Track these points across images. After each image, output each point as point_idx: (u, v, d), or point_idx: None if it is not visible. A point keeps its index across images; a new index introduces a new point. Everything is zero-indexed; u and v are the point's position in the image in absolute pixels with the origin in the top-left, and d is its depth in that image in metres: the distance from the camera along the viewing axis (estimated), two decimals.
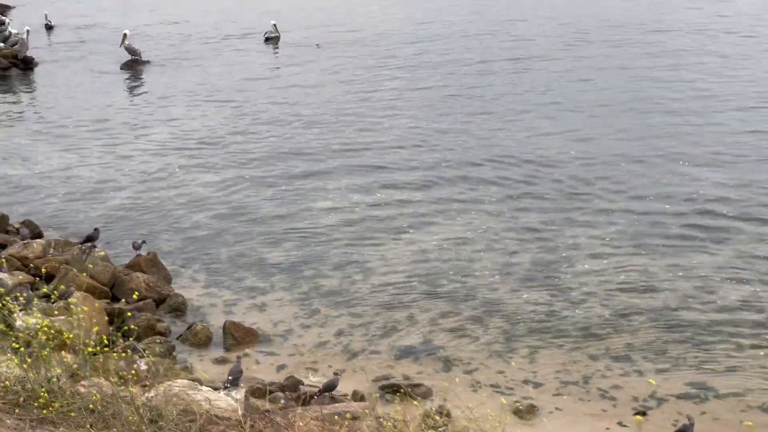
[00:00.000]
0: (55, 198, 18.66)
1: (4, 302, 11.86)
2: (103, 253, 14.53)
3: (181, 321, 14.07)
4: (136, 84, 27.51)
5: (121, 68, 28.85)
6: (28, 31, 28.93)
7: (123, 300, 13.82)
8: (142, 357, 11.24)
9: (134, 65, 28.94)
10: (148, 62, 29.02)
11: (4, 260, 13.78)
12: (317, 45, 29.86)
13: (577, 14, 34.90)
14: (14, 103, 25.78)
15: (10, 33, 29.55)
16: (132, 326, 12.50)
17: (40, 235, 16.54)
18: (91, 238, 14.44)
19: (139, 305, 13.78)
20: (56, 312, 12.35)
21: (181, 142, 21.85)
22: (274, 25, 30.71)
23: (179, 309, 14.17)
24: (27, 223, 16.68)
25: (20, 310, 11.66)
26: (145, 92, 26.33)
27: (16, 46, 28.92)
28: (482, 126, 22.53)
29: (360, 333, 13.95)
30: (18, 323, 11.57)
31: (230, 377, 11.08)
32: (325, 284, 15.34)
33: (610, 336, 13.38)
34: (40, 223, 17.19)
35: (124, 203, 18.35)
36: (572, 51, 29.43)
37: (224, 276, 15.60)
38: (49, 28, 33.85)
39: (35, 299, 12.20)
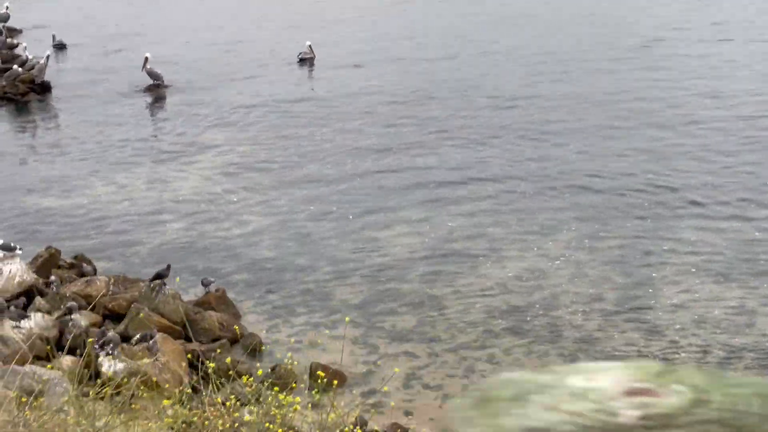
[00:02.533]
0: (100, 231, 18.70)
1: (94, 347, 11.64)
2: (173, 291, 14.24)
3: (258, 362, 13.78)
4: (161, 109, 27.48)
5: (144, 92, 28.63)
6: (48, 56, 28.73)
7: (195, 341, 13.69)
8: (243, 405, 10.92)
9: (156, 90, 28.80)
10: (169, 86, 28.85)
11: (71, 302, 13.50)
12: (357, 65, 29.72)
13: None
14: (39, 131, 25.81)
15: (27, 57, 29.35)
16: (211, 369, 12.29)
17: (94, 271, 16.28)
18: (161, 275, 14.35)
19: (214, 346, 13.52)
20: (139, 354, 12.10)
21: (225, 169, 21.98)
22: (309, 45, 30.61)
23: (256, 349, 13.99)
24: (79, 258, 16.49)
25: (107, 355, 11.41)
26: (174, 117, 26.27)
27: (33, 71, 28.70)
28: (546, 149, 22.55)
29: (444, 374, 13.75)
30: (105, 368, 11.33)
31: None
32: (399, 322, 15.40)
33: None
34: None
35: (176, 236, 18.37)
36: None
37: (292, 313, 15.62)
38: (60, 47, 33.64)
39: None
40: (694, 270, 16.16)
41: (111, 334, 11.94)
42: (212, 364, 10.77)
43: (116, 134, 24.85)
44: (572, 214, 18.70)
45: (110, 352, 11.46)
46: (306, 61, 30.72)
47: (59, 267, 16.33)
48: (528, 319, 15.15)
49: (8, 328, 11.33)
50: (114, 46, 34.50)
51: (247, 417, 11.12)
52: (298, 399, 8.98)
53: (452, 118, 24.92)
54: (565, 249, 17.32)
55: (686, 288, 15.52)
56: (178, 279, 15.34)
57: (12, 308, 12.09)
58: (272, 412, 10.16)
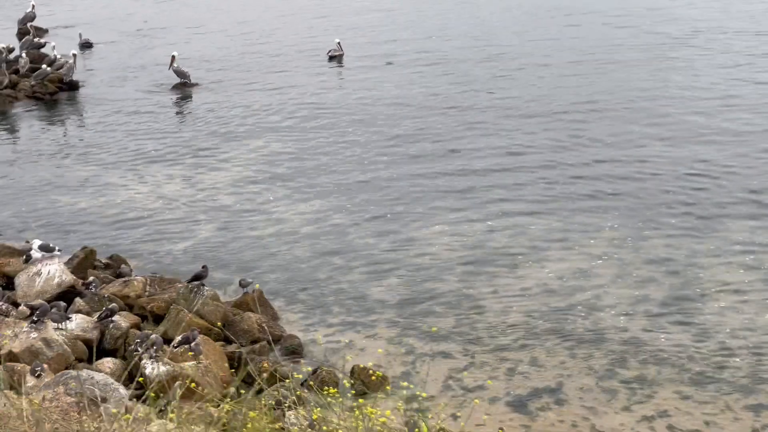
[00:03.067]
0: (134, 230, 18.80)
1: (138, 349, 11.59)
2: (212, 292, 14.17)
3: (299, 364, 13.69)
4: (190, 108, 27.50)
5: (171, 91, 28.63)
6: (74, 55, 28.84)
7: (235, 342, 13.63)
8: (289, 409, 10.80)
9: (183, 88, 28.81)
10: (197, 85, 28.83)
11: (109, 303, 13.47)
12: (389, 62, 29.56)
13: None
14: (69, 130, 25.93)
15: (56, 57, 29.52)
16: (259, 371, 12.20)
17: (131, 272, 16.28)
18: (199, 276, 14.34)
19: (255, 348, 13.48)
20: (181, 357, 12.02)
21: (258, 168, 21.97)
22: (339, 43, 30.50)
23: (296, 351, 14.08)
24: (115, 258, 16.55)
25: (150, 358, 11.35)
26: (203, 116, 26.30)
27: (62, 70, 28.83)
28: (585, 146, 22.32)
29: (486, 377, 13.61)
30: (148, 371, 11.26)
31: None
32: (438, 323, 15.24)
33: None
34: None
35: (210, 235, 18.43)
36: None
37: (329, 313, 15.63)
38: (87, 46, 33.74)
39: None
40: (743, 270, 15.90)
41: (154, 336, 11.87)
42: (266, 365, 10.68)
43: (146, 133, 24.94)
44: (614, 212, 18.49)
45: (153, 354, 11.39)
46: (335, 58, 30.62)
47: (95, 267, 16.35)
48: (570, 320, 14.96)
49: (51, 330, 11.31)
50: (141, 45, 34.64)
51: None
52: (388, 412, 8.76)
53: (487, 117, 24.74)
54: (607, 248, 17.12)
55: (736, 288, 15.27)
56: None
57: (54, 310, 12.06)
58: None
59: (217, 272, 16.73)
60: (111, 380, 7.59)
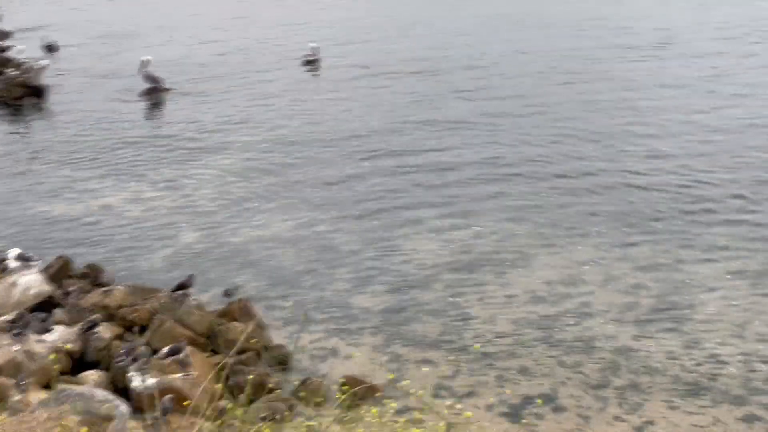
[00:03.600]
0: (110, 238, 18.50)
1: (120, 361, 11.32)
2: (197, 302, 13.91)
3: (287, 375, 13.51)
4: (162, 113, 27.20)
5: (139, 96, 28.25)
6: (47, 63, 28.30)
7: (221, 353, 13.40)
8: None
9: (155, 93, 28.41)
10: (169, 90, 28.45)
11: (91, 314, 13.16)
12: (365, 66, 29.50)
13: None
14: (37, 136, 25.48)
15: (22, 61, 28.94)
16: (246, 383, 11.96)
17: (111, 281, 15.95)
18: (184, 285, 14.09)
19: (242, 358, 13.24)
20: (168, 368, 11.77)
21: (238, 175, 21.79)
22: (315, 47, 30.36)
23: (284, 362, 13.81)
24: (92, 267, 16.17)
25: (137, 370, 11.09)
26: (176, 121, 26.03)
27: (28, 74, 28.29)
28: (571, 150, 22.47)
29: (475, 385, 13.54)
30: (135, 383, 11.00)
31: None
32: (425, 332, 15.25)
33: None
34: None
35: (190, 242, 18.20)
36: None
37: (315, 322, 15.50)
38: (51, 49, 33.15)
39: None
40: (729, 276, 16.05)
41: (141, 348, 11.60)
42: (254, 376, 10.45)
43: (118, 139, 24.58)
44: (599, 217, 18.62)
45: (141, 366, 11.12)
46: (312, 62, 30.49)
47: (71, 276, 15.99)
48: (558, 328, 14.97)
49: (34, 342, 10.97)
50: (110, 48, 34.20)
51: None
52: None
53: (469, 123, 24.79)
54: (594, 254, 17.23)
55: (723, 295, 15.40)
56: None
57: (35, 321, 11.72)
58: None
59: (199, 280, 16.40)
60: (111, 396, 7.34)
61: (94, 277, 16.13)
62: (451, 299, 16.08)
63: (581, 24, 35.62)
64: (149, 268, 17.13)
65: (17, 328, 11.24)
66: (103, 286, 14.82)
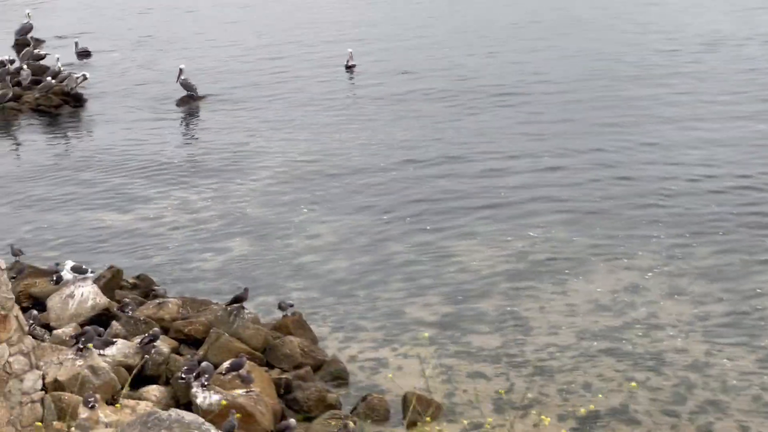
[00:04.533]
0: (159, 248, 18.55)
1: (183, 377, 11.25)
2: (253, 315, 13.84)
3: (345, 390, 13.39)
4: (200, 121, 27.23)
5: (177, 105, 28.32)
6: (85, 76, 28.46)
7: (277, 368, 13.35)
8: None
9: (191, 101, 28.46)
10: (204, 98, 28.51)
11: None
12: (404, 72, 29.38)
13: None
14: (77, 145, 25.59)
15: (60, 69, 29.14)
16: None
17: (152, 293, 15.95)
18: (239, 299, 14.06)
19: (299, 373, 13.15)
20: (228, 384, 11.69)
21: (282, 182, 21.67)
22: (351, 52, 30.39)
23: (341, 377, 13.73)
24: (142, 278, 16.21)
25: (201, 386, 11.02)
26: (215, 129, 26.05)
27: (64, 82, 28.47)
28: (626, 154, 22.11)
29: (538, 400, 13.29)
30: (199, 400, 10.93)
31: None
32: (483, 343, 15.04)
33: None
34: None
35: (240, 252, 18.21)
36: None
37: (370, 334, 15.41)
38: (84, 55, 33.37)
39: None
40: None
41: (205, 363, 11.53)
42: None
43: (158, 148, 24.57)
44: (658, 224, 18.31)
45: (205, 382, 11.05)
46: (351, 67, 30.50)
47: (121, 287, 15.99)
48: (626, 340, 14.68)
49: (97, 357, 10.95)
50: (143, 56, 34.25)
51: None
52: None
53: (518, 129, 24.39)
54: (656, 261, 16.96)
55: None
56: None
57: (97, 336, 11.68)
58: None
59: (251, 291, 15.93)
60: (200, 420, 7.26)
61: (144, 287, 16.13)
62: (509, 309, 15.87)
63: (627, 28, 35.14)
64: (198, 278, 17.13)
65: (81, 342, 11.21)
66: (156, 296, 14.80)
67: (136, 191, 21.33)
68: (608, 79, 28.42)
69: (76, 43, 34.11)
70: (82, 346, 11.04)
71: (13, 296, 9.93)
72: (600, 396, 13.34)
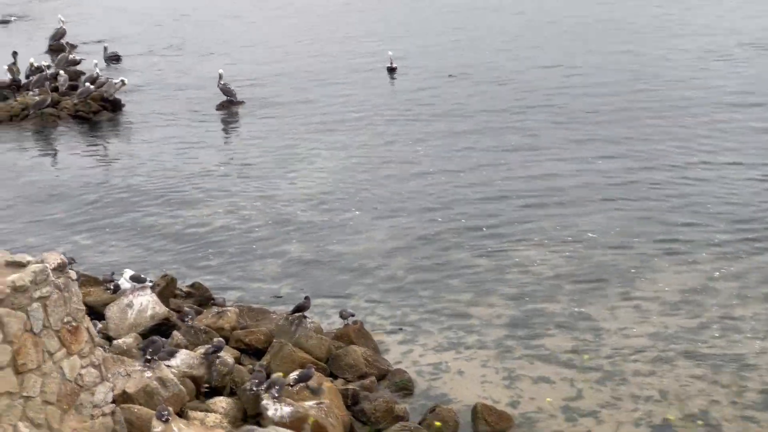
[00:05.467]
0: (211, 254, 18.48)
1: (254, 388, 11.11)
2: (315, 325, 13.68)
3: (412, 401, 13.17)
4: (241, 125, 27.20)
5: (217, 109, 28.34)
6: (123, 81, 28.54)
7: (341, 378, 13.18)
8: None
9: (230, 106, 28.50)
10: (243, 103, 28.52)
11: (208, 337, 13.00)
12: (450, 75, 29.19)
13: None
14: (120, 150, 25.56)
15: (98, 74, 29.29)
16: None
17: (209, 300, 15.83)
18: (302, 308, 13.95)
19: (365, 384, 12.95)
20: (297, 396, 11.52)
21: (331, 184, 21.58)
22: (391, 54, 30.34)
23: (406, 387, 13.51)
24: (196, 286, 16.11)
25: (272, 398, 10.86)
26: (258, 133, 26.03)
27: (103, 87, 28.60)
28: (685, 155, 21.86)
29: (614, 407, 12.99)
30: (270, 412, 10.76)
31: None
32: (553, 346, 14.69)
33: None
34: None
35: (294, 257, 18.08)
36: None
37: (433, 340, 15.15)
38: (113, 59, 33.55)
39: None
40: None
41: (275, 375, 11.36)
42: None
43: (201, 153, 24.54)
44: (719, 224, 18.07)
45: (276, 394, 10.88)
46: (392, 70, 30.41)
47: (176, 296, 15.90)
48: (701, 342, 14.28)
49: (165, 368, 10.81)
50: (180, 61, 34.39)
51: None
52: None
53: (567, 131, 24.12)
54: (720, 262, 16.63)
55: None
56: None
57: (164, 347, 11.55)
58: None
59: (298, 296, 16.18)
60: None
61: (199, 296, 16.03)
62: (576, 311, 15.59)
63: (677, 30, 34.67)
64: (252, 285, 16.98)
65: (149, 354, 11.09)
66: (215, 305, 14.66)
67: (183, 197, 21.30)
68: (660, 81, 28.07)
69: (105, 48, 34.33)
70: (149, 358, 10.92)
71: (84, 307, 9.85)
72: (679, 401, 13.03)
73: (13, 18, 42.18)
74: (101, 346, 12.05)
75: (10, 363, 9.17)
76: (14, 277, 9.39)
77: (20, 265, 9.90)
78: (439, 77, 29.49)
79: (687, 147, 22.22)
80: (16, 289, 9.26)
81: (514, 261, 17.20)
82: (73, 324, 9.76)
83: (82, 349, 9.85)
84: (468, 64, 30.68)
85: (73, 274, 9.78)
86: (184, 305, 15.38)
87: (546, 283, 16.42)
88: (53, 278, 9.66)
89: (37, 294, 9.44)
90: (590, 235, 17.95)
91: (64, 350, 9.68)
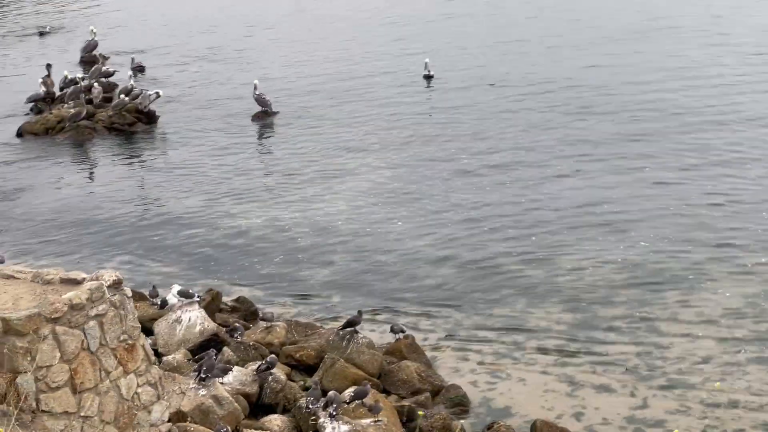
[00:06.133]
0: (254, 268, 18.25)
1: (311, 406, 10.96)
2: (367, 340, 13.51)
3: (468, 417, 12.93)
4: (277, 136, 26.99)
5: (252, 120, 28.26)
6: (158, 93, 28.61)
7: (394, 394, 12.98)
8: None
9: (265, 117, 28.39)
10: (278, 113, 28.41)
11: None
12: (492, 84, 28.91)
13: None
14: (158, 162, 25.41)
15: (132, 86, 29.35)
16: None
17: (255, 315, 15.70)
18: (353, 323, 13.75)
19: (419, 400, 12.76)
20: (352, 413, 11.35)
21: (370, 195, 21.29)
22: (427, 62, 30.14)
23: (462, 404, 13.34)
24: (241, 301, 15.98)
25: (330, 416, 10.68)
26: (295, 144, 25.72)
27: (137, 99, 28.65)
28: (734, 161, 21.48)
29: (681, 417, 12.76)
30: (328, 430, 10.59)
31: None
32: (613, 356, 14.37)
33: None
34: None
35: (338, 270, 17.87)
36: None
37: (487, 353, 14.90)
38: (139, 70, 33.65)
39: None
40: None
41: (332, 392, 11.19)
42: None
43: (238, 164, 24.36)
44: None
45: (333, 412, 10.70)
46: (429, 78, 30.20)
47: (221, 310, 15.79)
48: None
49: (220, 386, 10.67)
50: (212, 71, 34.23)
51: None
52: None
53: (614, 137, 23.66)
54: None
55: None
56: None
57: (218, 364, 11.41)
58: None
59: (347, 309, 16.05)
60: None
61: (244, 310, 15.91)
62: (637, 317, 15.35)
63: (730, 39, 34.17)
64: (298, 298, 16.86)
65: (203, 372, 10.93)
66: (264, 320, 14.50)
67: (223, 209, 21.14)
68: (711, 86, 27.37)
69: (132, 59, 34.41)
70: (204, 376, 10.78)
71: (139, 325, 9.74)
72: (751, 410, 12.73)
73: (48, 28, 42.51)
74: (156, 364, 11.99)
75: (67, 382, 9.11)
76: (71, 294, 9.34)
77: (75, 283, 9.86)
78: (478, 86, 29.19)
79: (740, 152, 21.79)
80: (73, 307, 9.21)
81: (566, 269, 16.99)
82: (129, 342, 9.67)
83: (138, 368, 9.75)
84: (509, 72, 30.33)
85: (128, 291, 9.68)
86: (230, 319, 15.29)
87: (601, 290, 16.18)
88: (109, 296, 9.59)
89: (93, 312, 9.39)
90: (642, 243, 17.65)
91: (120, 369, 9.61)
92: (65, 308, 9.05)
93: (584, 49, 32.48)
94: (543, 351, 14.51)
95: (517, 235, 18.49)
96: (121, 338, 9.59)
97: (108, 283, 9.58)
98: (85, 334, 9.21)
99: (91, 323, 9.27)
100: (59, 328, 8.99)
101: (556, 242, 18.04)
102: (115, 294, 9.61)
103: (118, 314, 9.57)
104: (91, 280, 9.65)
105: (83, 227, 20.68)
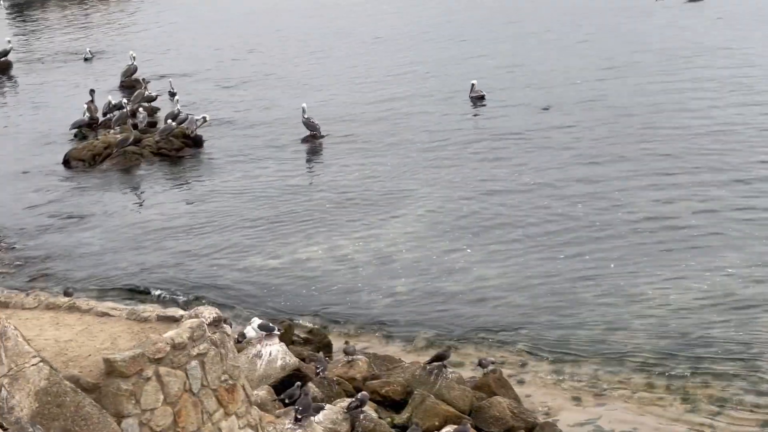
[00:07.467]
0: (319, 297, 17.87)
1: None
2: (457, 375, 13.08)
3: None
4: (326, 160, 26.64)
5: (301, 143, 28.05)
6: (205, 118, 28.51)
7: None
8: None
9: (313, 140, 28.16)
10: (326, 136, 28.18)
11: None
12: (545, 108, 28.44)
13: None
14: (208, 189, 25.07)
15: (179, 111, 29.26)
16: None
17: (328, 347, 15.32)
18: (441, 357, 13.33)
19: None
20: None
21: (431, 222, 20.84)
22: (473, 84, 29.86)
23: None
24: (315, 333, 15.66)
25: None
26: (345, 169, 25.32)
27: (184, 124, 28.56)
28: None
29: None
30: None
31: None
32: (721, 382, 13.95)
33: None
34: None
35: (406, 299, 17.47)
36: None
37: (577, 388, 14.37)
38: (174, 94, 33.61)
39: None
40: None
41: None
42: None
43: (289, 189, 24.01)
44: None
45: None
46: (479, 98, 29.85)
47: (293, 342, 15.41)
48: None
49: (318, 427, 10.27)
50: (258, 95, 34.15)
51: None
52: None
53: (673, 161, 22.93)
54: None
55: None
56: None
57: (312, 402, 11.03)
58: None
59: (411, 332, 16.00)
60: None
61: (317, 342, 15.52)
62: (738, 339, 14.83)
63: None
64: (370, 329, 16.46)
65: (299, 413, 10.49)
66: (346, 353, 14.05)
67: (277, 236, 20.80)
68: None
69: (170, 83, 34.37)
70: (300, 416, 10.38)
71: (239, 364, 9.38)
72: None
73: (90, 53, 42.65)
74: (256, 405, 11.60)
75: (171, 426, 8.74)
76: (172, 333, 8.97)
77: (173, 320, 9.51)
78: (531, 108, 28.75)
79: None
80: (176, 347, 8.83)
81: (648, 295, 16.48)
82: (230, 382, 9.27)
83: (239, 409, 9.39)
84: (562, 95, 29.85)
85: (228, 329, 9.33)
86: (304, 352, 14.90)
87: (693, 317, 15.68)
88: (209, 334, 9.25)
89: (195, 351, 8.99)
90: (729, 270, 17.00)
91: (221, 410, 9.23)
92: (168, 348, 8.69)
93: (642, 71, 31.93)
94: (640, 383, 14.07)
95: (592, 264, 17.88)
96: (222, 378, 9.19)
97: (208, 320, 9.24)
98: (187, 374, 8.86)
99: (193, 363, 8.88)
100: (162, 369, 8.61)
101: (633, 271, 17.46)
102: (215, 332, 9.27)
103: (219, 353, 9.19)
104: (190, 317, 9.31)
105: (136, 255, 20.47)
